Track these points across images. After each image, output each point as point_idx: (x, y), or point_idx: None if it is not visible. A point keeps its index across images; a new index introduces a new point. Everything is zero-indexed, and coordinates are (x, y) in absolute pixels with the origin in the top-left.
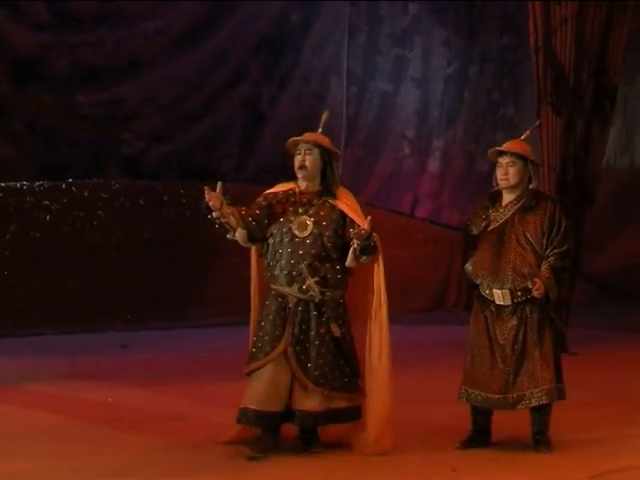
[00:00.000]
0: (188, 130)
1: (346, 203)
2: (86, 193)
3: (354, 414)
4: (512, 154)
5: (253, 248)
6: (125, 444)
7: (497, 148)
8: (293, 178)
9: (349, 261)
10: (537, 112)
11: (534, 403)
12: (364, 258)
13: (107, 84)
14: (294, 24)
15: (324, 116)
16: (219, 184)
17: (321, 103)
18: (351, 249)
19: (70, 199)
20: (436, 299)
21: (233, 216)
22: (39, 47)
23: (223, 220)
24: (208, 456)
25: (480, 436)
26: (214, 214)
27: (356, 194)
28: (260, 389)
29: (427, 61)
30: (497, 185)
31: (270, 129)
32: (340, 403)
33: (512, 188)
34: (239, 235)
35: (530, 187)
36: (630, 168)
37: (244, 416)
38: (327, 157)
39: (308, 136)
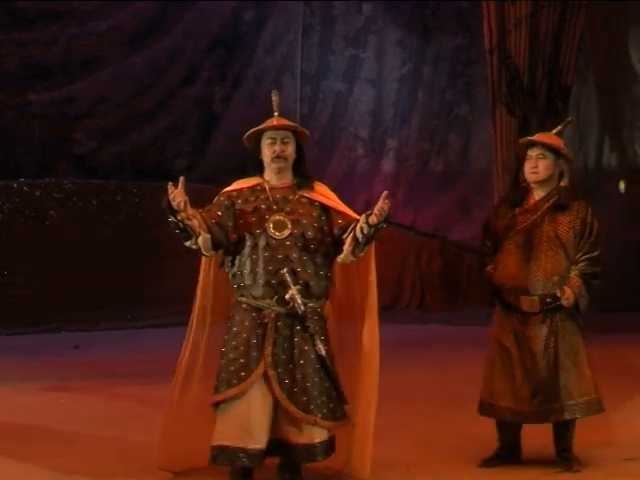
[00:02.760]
0: (141, 129)
1: (323, 194)
2: (38, 193)
3: (333, 446)
4: (543, 146)
5: (205, 258)
6: (78, 444)
7: (528, 138)
8: (254, 173)
9: (345, 255)
10: (491, 112)
11: (568, 417)
12: (366, 249)
13: (59, 82)
14: (247, 24)
15: (275, 97)
16: (181, 179)
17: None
18: (349, 239)
19: (22, 199)
20: (391, 298)
21: (195, 219)
22: None
23: (188, 223)
24: None
25: (505, 453)
26: (179, 216)
27: None
28: (237, 421)
29: (381, 61)
30: (524, 181)
31: (223, 128)
32: (325, 434)
33: (541, 184)
34: (202, 241)
35: (562, 184)
36: (584, 169)
37: (221, 455)
38: (300, 145)
39: (284, 122)
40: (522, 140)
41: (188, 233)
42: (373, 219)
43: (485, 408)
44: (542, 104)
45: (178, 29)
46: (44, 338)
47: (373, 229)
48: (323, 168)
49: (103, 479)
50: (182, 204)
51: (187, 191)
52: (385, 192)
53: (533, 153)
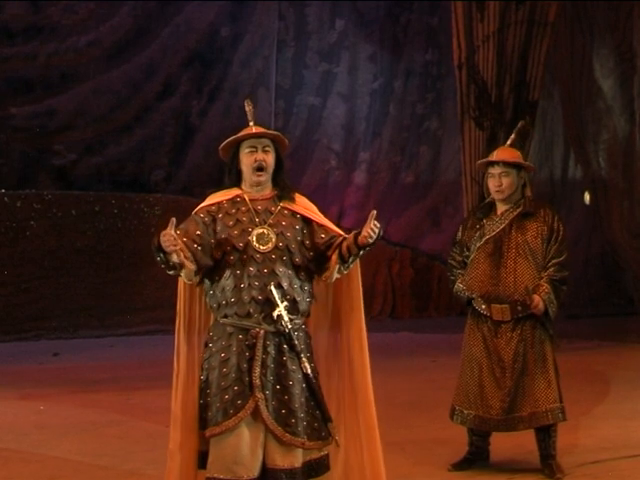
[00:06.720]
0: (119, 141)
1: (304, 206)
2: (19, 203)
3: (326, 465)
4: (505, 163)
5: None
6: (56, 451)
7: (488, 159)
8: (232, 185)
9: (331, 273)
10: (460, 125)
11: (536, 424)
12: (352, 266)
13: (39, 96)
14: (224, 39)
15: (249, 107)
16: (172, 220)
17: None
18: (334, 257)
19: (3, 209)
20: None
21: (182, 251)
22: None
23: (175, 260)
24: (138, 462)
25: (475, 457)
26: (172, 257)
27: None
28: (229, 452)
29: (353, 76)
30: (488, 196)
31: (200, 141)
32: (314, 454)
33: (507, 198)
34: (187, 271)
35: (527, 194)
36: (549, 180)
37: None
38: (280, 154)
39: (265, 130)
40: (481, 161)
41: (175, 266)
42: (362, 240)
43: (455, 415)
44: (509, 118)
45: (156, 44)
46: (24, 346)
47: (362, 250)
48: (297, 180)
49: None
50: (174, 246)
51: (165, 202)
52: (373, 211)
53: (495, 171)
